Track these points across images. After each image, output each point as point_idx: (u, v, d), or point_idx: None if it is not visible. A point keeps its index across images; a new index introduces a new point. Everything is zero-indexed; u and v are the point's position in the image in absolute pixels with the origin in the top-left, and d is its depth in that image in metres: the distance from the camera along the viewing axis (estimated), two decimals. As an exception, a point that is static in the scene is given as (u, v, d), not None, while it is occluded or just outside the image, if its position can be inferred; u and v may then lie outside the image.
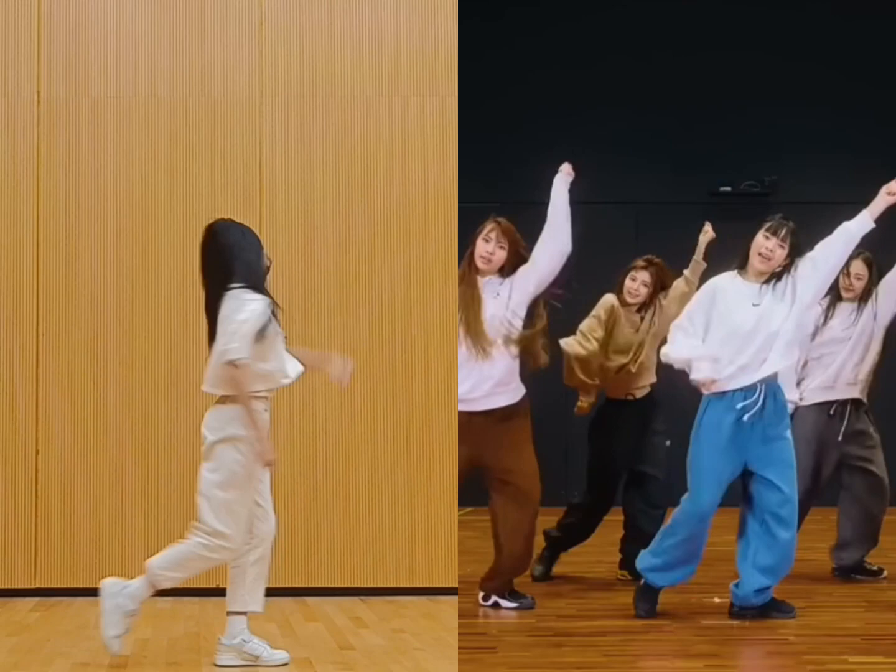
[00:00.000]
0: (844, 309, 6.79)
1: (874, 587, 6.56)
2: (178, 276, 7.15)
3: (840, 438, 6.68)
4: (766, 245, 5.69)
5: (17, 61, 7.20)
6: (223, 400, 5.31)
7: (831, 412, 6.71)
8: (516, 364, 5.84)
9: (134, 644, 5.61)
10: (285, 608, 6.65)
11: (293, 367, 5.43)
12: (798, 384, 6.71)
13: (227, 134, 7.25)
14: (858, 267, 6.80)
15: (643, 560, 5.87)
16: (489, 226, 5.86)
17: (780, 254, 5.71)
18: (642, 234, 10.58)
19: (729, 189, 10.73)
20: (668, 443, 6.68)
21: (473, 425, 5.83)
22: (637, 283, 6.67)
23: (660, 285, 6.68)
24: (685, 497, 5.75)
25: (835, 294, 6.77)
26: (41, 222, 7.17)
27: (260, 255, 5.42)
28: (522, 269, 5.82)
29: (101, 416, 7.12)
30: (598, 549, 7.07)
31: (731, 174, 10.71)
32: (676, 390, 6.03)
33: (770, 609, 5.80)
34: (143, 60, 7.24)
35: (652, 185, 10.66)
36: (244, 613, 5.39)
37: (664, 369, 6.17)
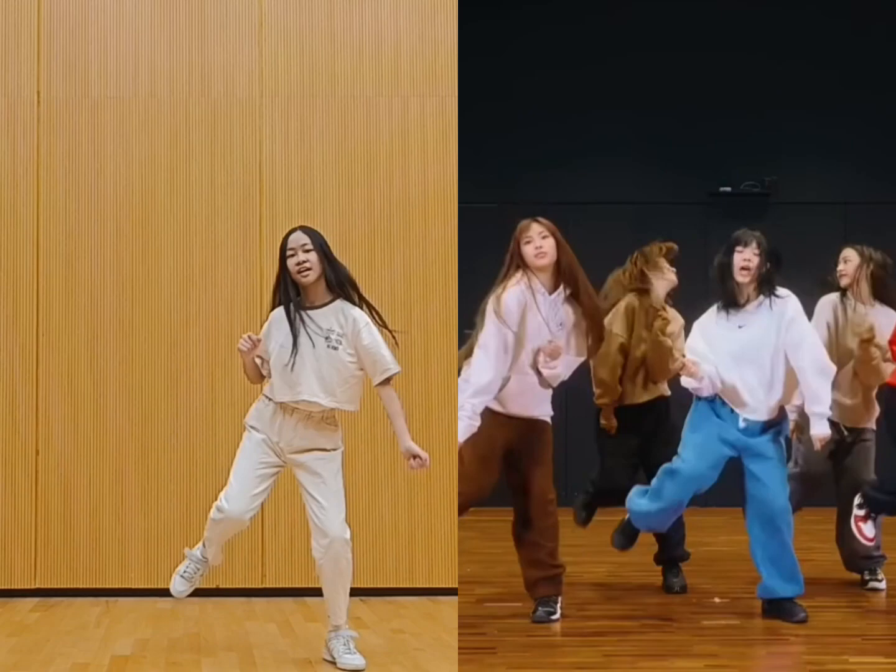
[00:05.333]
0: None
1: (874, 587, 6.55)
2: (177, 276, 7.15)
3: None
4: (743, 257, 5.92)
5: (17, 61, 7.20)
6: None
7: None
8: None
9: (134, 644, 5.61)
10: (285, 608, 6.65)
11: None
12: None
13: (227, 134, 7.25)
14: (847, 253, 6.64)
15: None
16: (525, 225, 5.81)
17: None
18: (642, 234, 10.57)
19: (729, 189, 10.73)
20: None
21: None
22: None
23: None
24: None
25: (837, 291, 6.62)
26: (41, 222, 7.17)
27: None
28: None
29: (101, 416, 7.12)
30: (598, 550, 7.07)
31: (731, 174, 10.71)
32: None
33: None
34: (143, 60, 7.24)
35: (652, 185, 10.66)
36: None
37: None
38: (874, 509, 6.08)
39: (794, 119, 10.48)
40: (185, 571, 5.64)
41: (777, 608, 5.91)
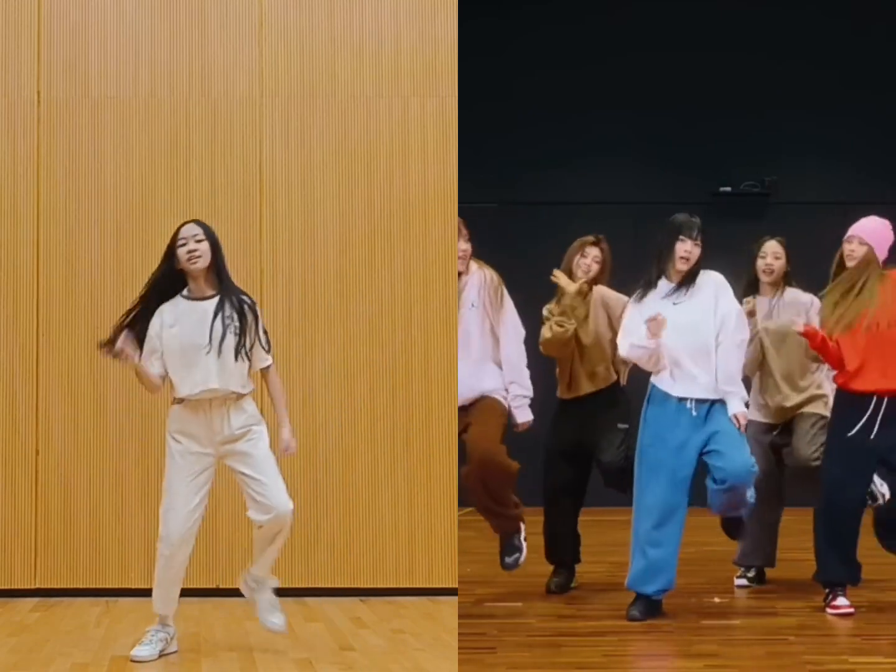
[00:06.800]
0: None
1: (874, 588, 6.55)
2: (178, 276, 7.14)
3: None
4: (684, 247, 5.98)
5: (17, 61, 7.20)
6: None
7: None
8: None
9: (134, 644, 5.60)
10: (285, 608, 6.61)
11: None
12: None
13: (227, 134, 7.25)
14: (775, 247, 6.70)
15: None
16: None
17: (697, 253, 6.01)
18: (642, 234, 10.58)
19: (729, 189, 10.74)
20: None
21: None
22: (589, 259, 6.74)
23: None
24: None
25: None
26: (41, 222, 7.17)
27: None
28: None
29: (101, 416, 7.12)
30: (597, 549, 7.07)
31: (731, 174, 10.72)
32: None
33: None
34: (143, 60, 7.24)
35: (652, 185, 10.67)
36: None
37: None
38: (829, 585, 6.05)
39: (794, 119, 10.50)
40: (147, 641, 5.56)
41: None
